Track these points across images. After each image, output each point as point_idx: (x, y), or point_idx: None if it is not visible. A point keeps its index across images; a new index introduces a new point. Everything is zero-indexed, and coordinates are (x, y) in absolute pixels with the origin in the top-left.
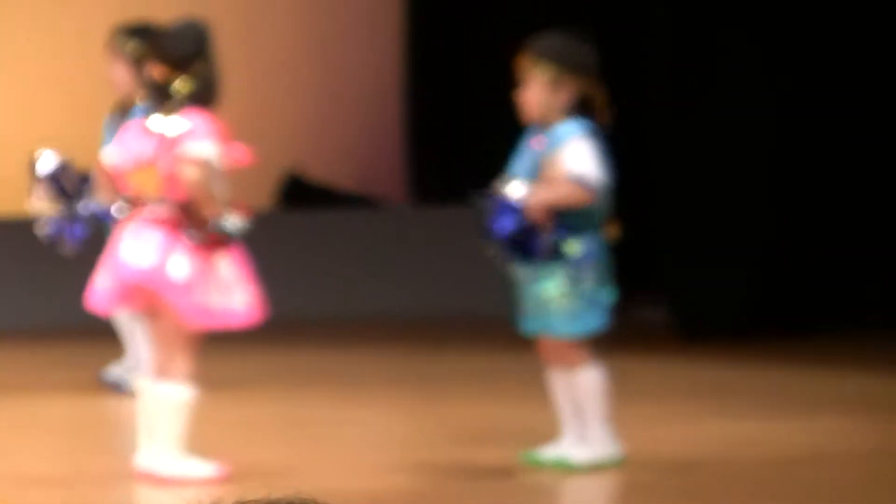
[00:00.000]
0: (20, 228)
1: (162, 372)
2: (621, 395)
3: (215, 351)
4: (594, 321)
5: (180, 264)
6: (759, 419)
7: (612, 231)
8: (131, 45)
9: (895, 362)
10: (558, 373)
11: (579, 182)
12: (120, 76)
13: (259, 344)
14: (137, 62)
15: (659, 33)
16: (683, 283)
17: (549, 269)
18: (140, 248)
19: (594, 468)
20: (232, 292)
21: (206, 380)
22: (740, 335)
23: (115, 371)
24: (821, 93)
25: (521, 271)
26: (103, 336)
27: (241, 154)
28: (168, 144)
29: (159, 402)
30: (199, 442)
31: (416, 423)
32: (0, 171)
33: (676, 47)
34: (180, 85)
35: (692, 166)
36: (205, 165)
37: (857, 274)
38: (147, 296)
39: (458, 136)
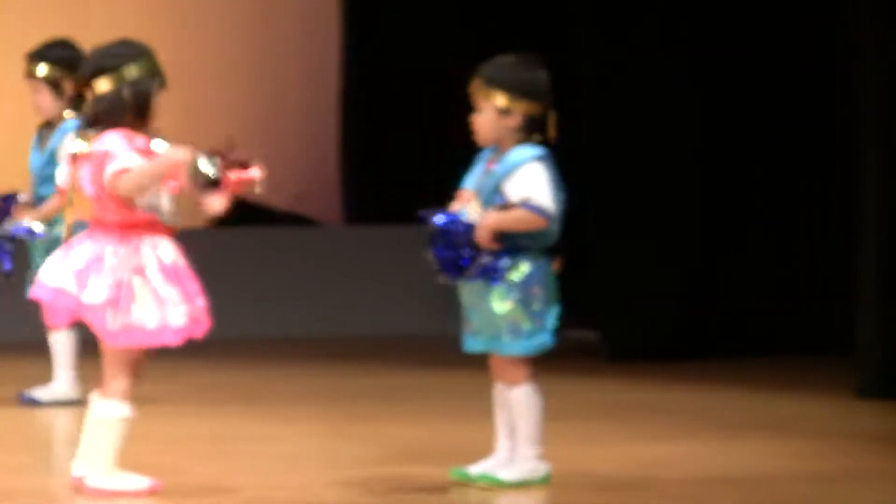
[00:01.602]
0: None
1: (103, 389)
2: (549, 414)
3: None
4: (541, 340)
5: (98, 287)
6: (680, 440)
7: (557, 265)
8: (45, 68)
9: (811, 388)
10: (503, 389)
11: (533, 208)
12: (41, 100)
13: (189, 361)
14: (54, 83)
15: (586, 64)
16: (612, 309)
17: (500, 288)
18: (62, 269)
19: (521, 485)
20: (167, 308)
21: (136, 397)
22: (665, 359)
23: (37, 391)
24: (744, 132)
25: (468, 290)
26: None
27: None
28: (90, 166)
29: (96, 418)
30: (131, 457)
31: (345, 441)
32: None
33: (602, 82)
34: (87, 103)
35: (623, 202)
36: (131, 173)
37: (774, 304)
38: (73, 312)
39: (393, 157)
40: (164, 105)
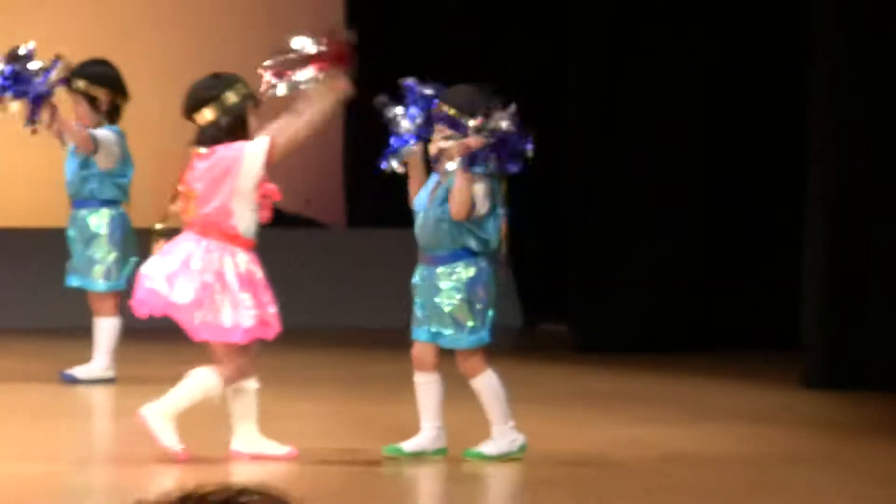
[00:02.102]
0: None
1: (221, 372)
2: (524, 400)
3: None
4: (480, 336)
5: (185, 289)
6: (645, 424)
7: (502, 250)
8: (83, 83)
9: (762, 378)
10: (423, 376)
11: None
12: (79, 111)
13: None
14: (91, 97)
15: (580, 64)
16: (582, 304)
17: (449, 287)
18: (156, 272)
19: (504, 458)
20: (240, 310)
21: (165, 378)
22: (631, 350)
23: (76, 371)
24: (701, 173)
25: (421, 287)
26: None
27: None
28: (203, 176)
29: (231, 397)
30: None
31: (351, 418)
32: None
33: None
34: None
35: (596, 210)
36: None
37: (738, 299)
38: (161, 310)
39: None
40: (172, 107)
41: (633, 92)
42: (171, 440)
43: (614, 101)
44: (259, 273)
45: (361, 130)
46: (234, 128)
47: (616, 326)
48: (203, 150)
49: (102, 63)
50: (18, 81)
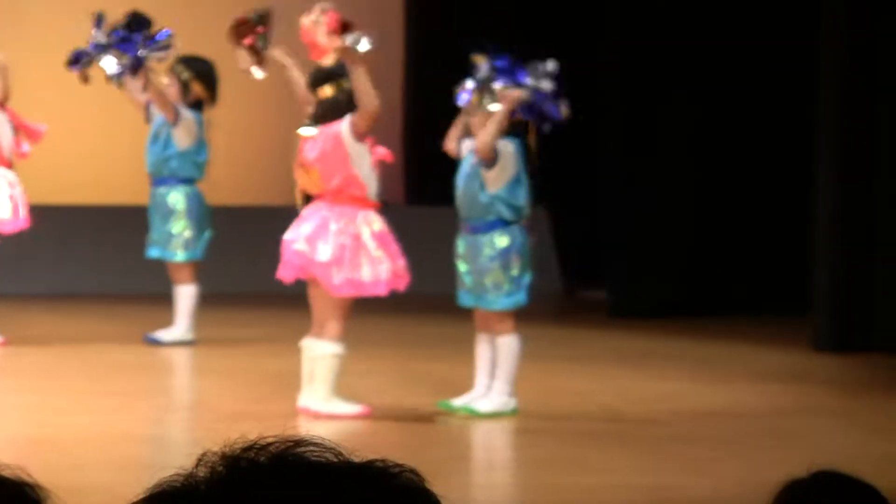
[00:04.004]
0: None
1: (319, 332)
2: (564, 358)
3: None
4: (518, 299)
5: (325, 249)
6: (675, 380)
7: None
8: (186, 73)
9: (778, 341)
10: (485, 338)
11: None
12: (172, 92)
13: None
14: (186, 85)
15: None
16: (618, 272)
17: (487, 254)
18: (298, 233)
19: (495, 416)
20: (378, 266)
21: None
22: (662, 315)
23: (159, 334)
24: (724, 155)
25: (464, 254)
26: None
27: (384, 152)
28: (323, 147)
29: (315, 356)
30: (235, 389)
31: (403, 374)
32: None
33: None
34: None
35: (631, 188)
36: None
37: (754, 271)
38: (306, 271)
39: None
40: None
41: (664, 67)
42: (348, 409)
43: (650, 79)
44: (388, 230)
45: (418, 112)
46: (347, 107)
47: (647, 294)
48: (310, 132)
49: (209, 65)
50: (125, 42)
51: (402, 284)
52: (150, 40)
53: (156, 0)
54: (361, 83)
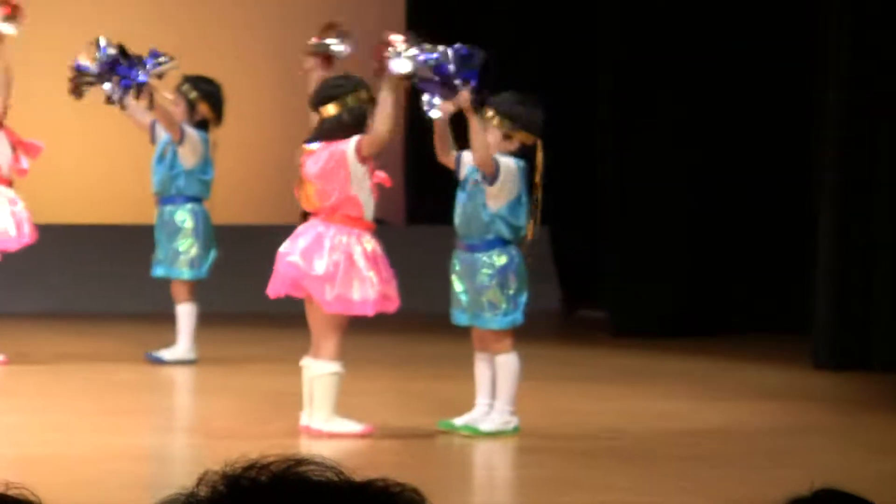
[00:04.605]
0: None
1: (316, 352)
2: (567, 377)
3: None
4: (514, 318)
5: (319, 264)
6: (675, 399)
7: (530, 233)
8: (193, 92)
9: (777, 360)
10: (483, 357)
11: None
12: (178, 111)
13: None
14: (192, 104)
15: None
16: (618, 291)
17: (484, 273)
18: (294, 247)
19: (496, 435)
20: (367, 286)
21: (240, 357)
22: (661, 335)
23: (161, 353)
24: (722, 172)
25: (459, 274)
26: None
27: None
28: (322, 165)
29: (315, 376)
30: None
31: (402, 394)
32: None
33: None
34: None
35: (630, 207)
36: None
37: (754, 290)
38: (299, 286)
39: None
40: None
41: (658, 87)
42: (353, 427)
43: (645, 94)
44: (381, 253)
45: (417, 131)
46: (352, 126)
47: (647, 313)
48: (312, 146)
49: (217, 86)
50: (125, 67)
51: (392, 307)
52: (148, 61)
53: (164, 21)
54: (386, 108)
